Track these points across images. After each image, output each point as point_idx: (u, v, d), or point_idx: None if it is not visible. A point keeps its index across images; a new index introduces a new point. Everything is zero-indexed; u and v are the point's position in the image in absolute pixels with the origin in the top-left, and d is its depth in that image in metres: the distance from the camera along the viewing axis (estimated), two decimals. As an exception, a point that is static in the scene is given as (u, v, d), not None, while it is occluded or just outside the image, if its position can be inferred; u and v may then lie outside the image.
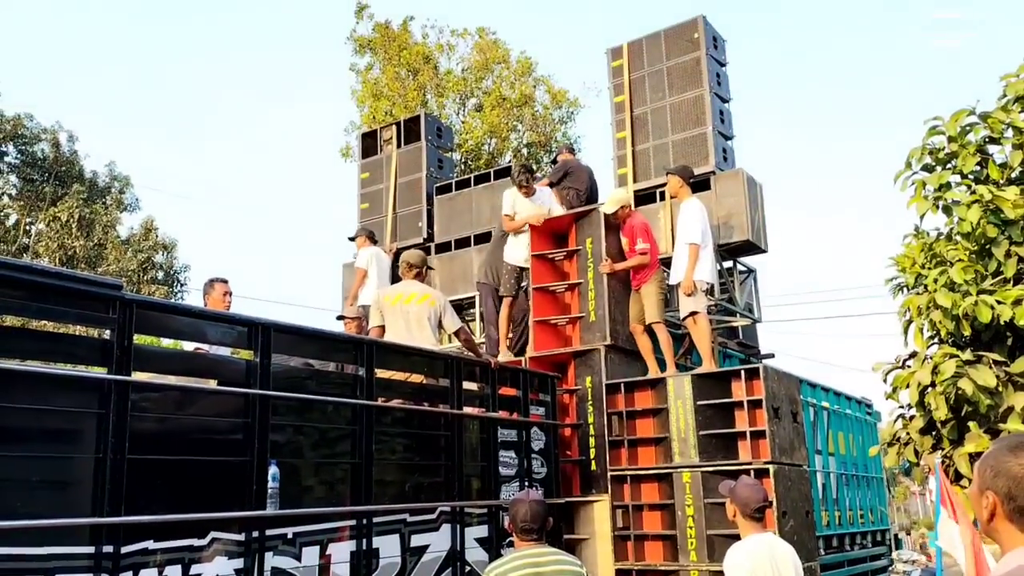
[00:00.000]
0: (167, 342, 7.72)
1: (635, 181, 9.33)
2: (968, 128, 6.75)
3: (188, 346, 5.44)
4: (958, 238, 6.78)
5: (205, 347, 5.03)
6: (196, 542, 3.89)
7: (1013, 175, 6.74)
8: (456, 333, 6.25)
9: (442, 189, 11.26)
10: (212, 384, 4.33)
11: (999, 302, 6.11)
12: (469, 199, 10.80)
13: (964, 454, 6.32)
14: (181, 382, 4.32)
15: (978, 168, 6.80)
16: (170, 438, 3.98)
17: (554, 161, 9.58)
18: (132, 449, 3.66)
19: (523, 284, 8.20)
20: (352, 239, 9.52)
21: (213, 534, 3.96)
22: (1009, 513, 1.72)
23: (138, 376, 3.90)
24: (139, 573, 3.63)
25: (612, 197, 7.79)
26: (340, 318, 8.94)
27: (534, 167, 8.79)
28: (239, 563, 4.03)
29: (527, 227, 7.98)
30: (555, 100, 23.44)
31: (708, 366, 7.15)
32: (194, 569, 3.84)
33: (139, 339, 3.89)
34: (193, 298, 25.86)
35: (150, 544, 3.71)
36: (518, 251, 8.23)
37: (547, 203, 8.35)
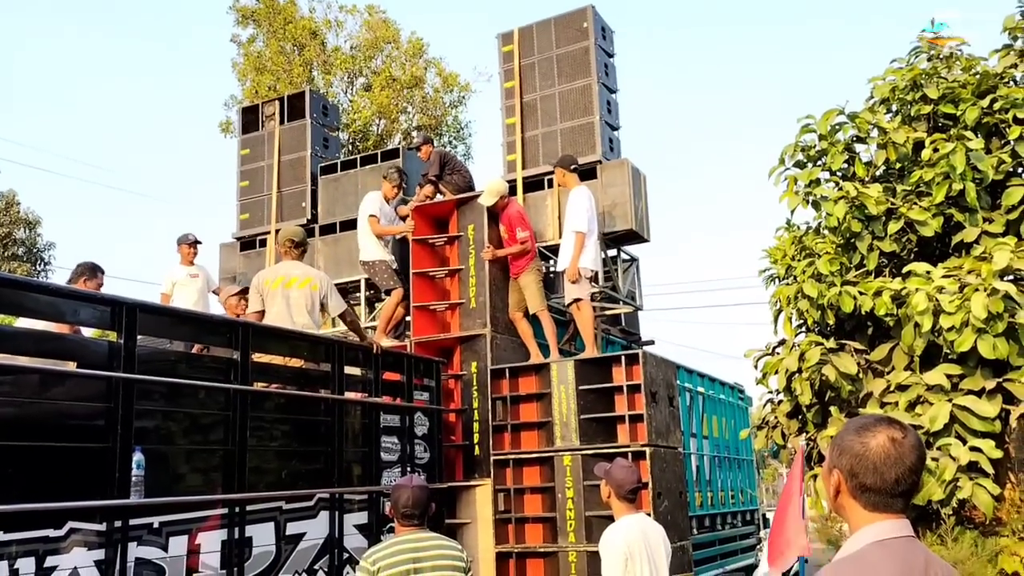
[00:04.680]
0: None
1: (524, 168, 9.35)
2: (837, 127, 7.07)
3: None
4: (825, 232, 7.12)
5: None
6: (52, 533, 3.69)
7: (877, 173, 7.13)
8: (341, 316, 6.12)
9: (327, 169, 10.97)
10: (71, 367, 4.08)
11: (861, 293, 6.44)
12: (355, 180, 10.57)
13: (826, 437, 6.65)
14: (37, 364, 4.06)
15: (845, 166, 7.14)
16: (24, 423, 3.75)
17: (417, 148, 9.39)
18: (-21, 435, 3.42)
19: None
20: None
21: (71, 524, 3.76)
22: (852, 490, 1.80)
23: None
24: (-13, 566, 3.41)
25: (490, 188, 7.72)
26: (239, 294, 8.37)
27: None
28: (99, 554, 3.83)
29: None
30: (446, 83, 23.24)
31: (591, 352, 7.27)
32: (49, 561, 3.64)
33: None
34: (58, 277, 24.44)
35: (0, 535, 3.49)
36: (385, 252, 8.31)
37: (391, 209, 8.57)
